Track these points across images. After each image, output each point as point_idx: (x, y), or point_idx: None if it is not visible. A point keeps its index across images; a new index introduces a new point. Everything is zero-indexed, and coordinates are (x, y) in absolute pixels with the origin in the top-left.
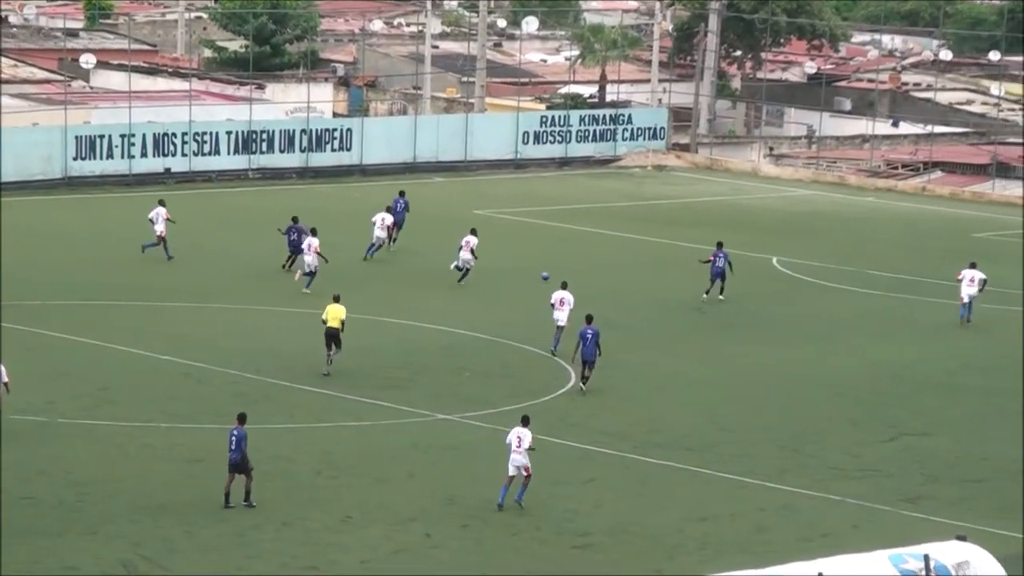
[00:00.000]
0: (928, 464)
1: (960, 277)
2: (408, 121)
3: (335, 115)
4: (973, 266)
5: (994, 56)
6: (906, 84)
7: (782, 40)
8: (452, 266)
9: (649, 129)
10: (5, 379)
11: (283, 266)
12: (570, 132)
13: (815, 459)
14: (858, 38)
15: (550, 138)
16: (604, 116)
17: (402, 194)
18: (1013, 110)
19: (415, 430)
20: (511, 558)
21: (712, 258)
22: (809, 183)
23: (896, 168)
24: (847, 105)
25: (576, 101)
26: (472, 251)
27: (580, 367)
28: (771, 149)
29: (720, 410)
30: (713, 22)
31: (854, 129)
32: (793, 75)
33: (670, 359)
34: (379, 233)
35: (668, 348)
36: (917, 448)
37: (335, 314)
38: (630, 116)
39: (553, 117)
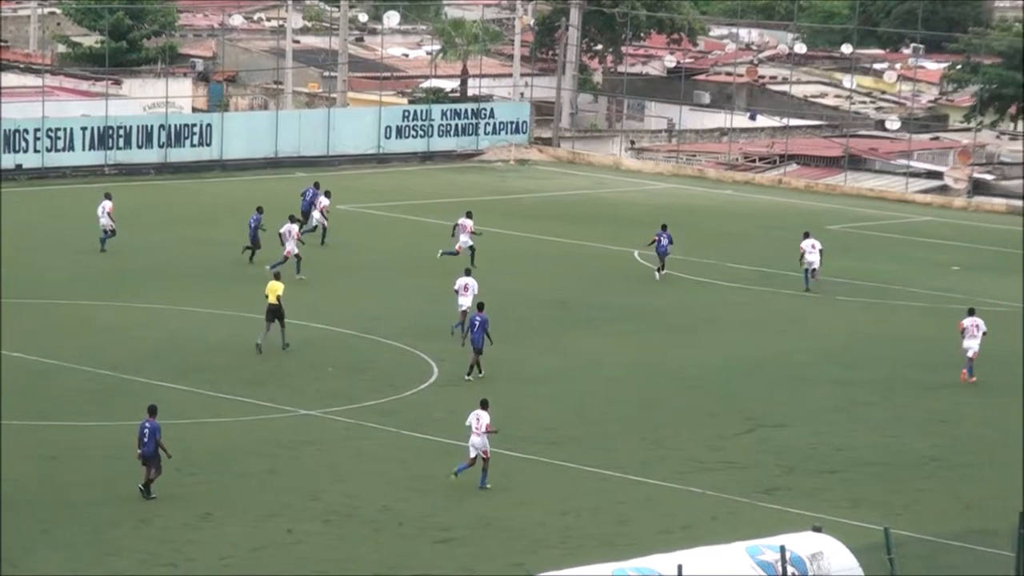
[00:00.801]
0: (784, 455)
1: (802, 249)
2: (269, 116)
3: (195, 110)
4: (807, 236)
5: (846, 49)
6: (763, 77)
7: (642, 34)
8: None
9: (511, 123)
10: None
11: (248, 258)
12: (432, 126)
13: (676, 452)
14: (716, 32)
15: (412, 132)
16: (466, 110)
17: (316, 186)
18: (864, 103)
19: (276, 426)
20: (373, 554)
21: (656, 238)
22: (670, 176)
23: (753, 161)
24: (706, 99)
25: (438, 96)
26: (472, 233)
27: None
28: (632, 143)
29: (583, 404)
30: (574, 16)
31: (713, 122)
32: (653, 69)
33: (534, 353)
34: (316, 216)
35: (532, 342)
36: (774, 440)
37: (273, 289)
38: (492, 110)
39: (415, 111)
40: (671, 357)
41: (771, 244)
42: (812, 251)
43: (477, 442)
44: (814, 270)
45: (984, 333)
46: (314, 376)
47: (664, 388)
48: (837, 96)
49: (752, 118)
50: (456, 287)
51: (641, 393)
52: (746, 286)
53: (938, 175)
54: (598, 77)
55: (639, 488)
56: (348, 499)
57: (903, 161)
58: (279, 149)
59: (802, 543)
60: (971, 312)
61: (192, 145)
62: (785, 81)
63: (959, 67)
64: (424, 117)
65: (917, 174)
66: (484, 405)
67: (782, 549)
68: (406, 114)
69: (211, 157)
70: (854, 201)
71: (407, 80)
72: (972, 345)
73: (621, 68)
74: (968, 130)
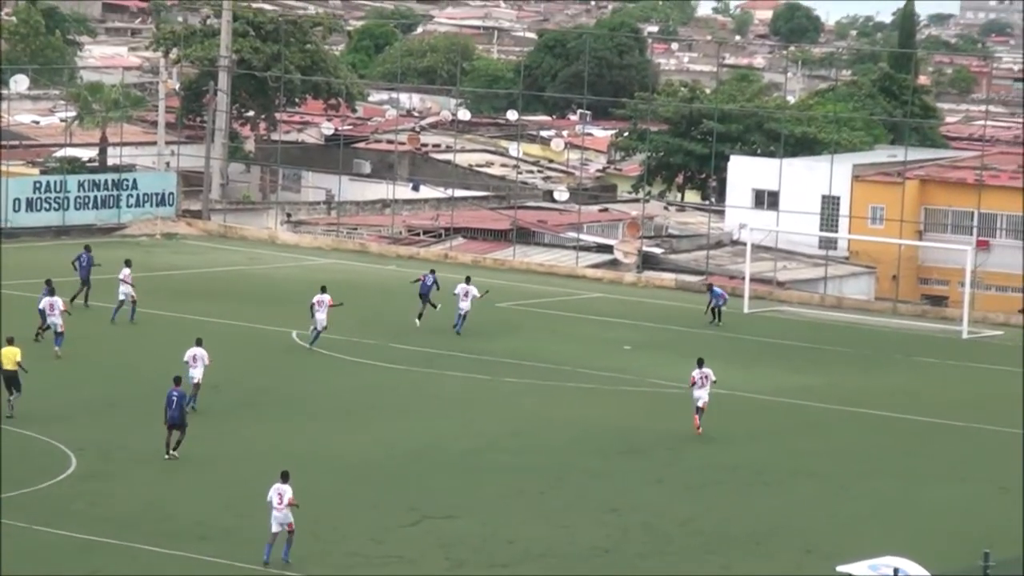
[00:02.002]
0: (453, 549)
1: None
2: None
3: None
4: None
5: (511, 116)
6: (425, 145)
7: (297, 99)
8: (416, 319)
9: (157, 195)
10: None
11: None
12: (68, 198)
13: (336, 545)
14: (376, 97)
15: (45, 205)
16: (106, 181)
17: (88, 248)
18: (532, 172)
19: None
20: None
21: (422, 278)
22: (330, 251)
23: (418, 234)
24: (367, 168)
25: (74, 165)
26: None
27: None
28: (289, 215)
29: (236, 495)
30: (223, 80)
31: (375, 193)
32: (310, 136)
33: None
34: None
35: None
36: (441, 532)
37: (10, 356)
38: (135, 181)
39: (48, 182)
40: (330, 444)
41: (436, 323)
42: (464, 299)
43: (280, 517)
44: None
45: (713, 382)
46: None
47: (323, 477)
48: (503, 165)
49: (415, 188)
50: (186, 358)
51: (298, 483)
52: (410, 367)
53: (608, 248)
54: (250, 145)
55: None
56: None
57: (573, 234)
58: None
59: None
60: (700, 363)
61: None
62: (449, 149)
63: (626, 134)
64: (58, 188)
65: (587, 248)
66: (285, 478)
67: None
68: (38, 185)
69: None
70: (523, 277)
71: (38, 148)
72: (702, 395)
73: (275, 136)
74: (636, 201)
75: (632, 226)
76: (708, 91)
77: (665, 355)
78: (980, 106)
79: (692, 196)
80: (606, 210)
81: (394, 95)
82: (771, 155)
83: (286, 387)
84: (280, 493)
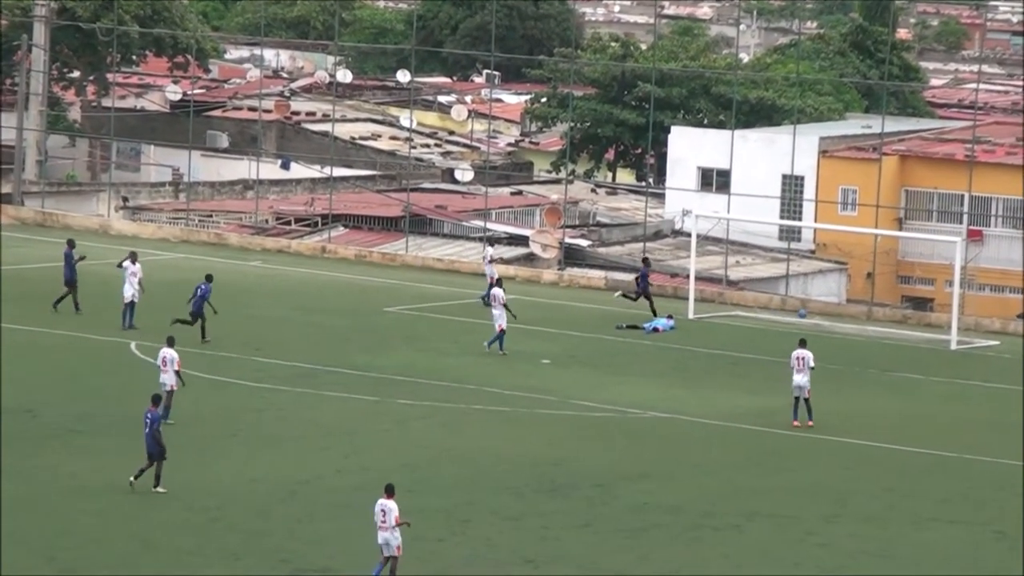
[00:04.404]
0: None
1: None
2: None
3: None
4: None
5: (403, 77)
6: (297, 114)
7: (135, 57)
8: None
9: None
10: None
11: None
12: None
13: None
14: (235, 54)
15: None
16: None
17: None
18: (428, 147)
19: None
20: None
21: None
22: (178, 243)
23: (288, 223)
24: (224, 141)
25: None
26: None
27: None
28: (125, 200)
29: (55, 545)
30: (39, 34)
31: (234, 172)
32: (152, 102)
33: None
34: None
35: None
36: None
37: None
38: None
39: None
40: (178, 480)
41: (312, 332)
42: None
43: (387, 537)
44: None
45: (811, 368)
46: None
47: (171, 519)
48: (393, 138)
49: (284, 167)
50: (157, 361)
51: (140, 527)
52: (278, 387)
53: (523, 240)
54: (76, 113)
55: None
56: None
57: (479, 223)
58: None
59: None
60: (802, 343)
61: None
62: (326, 119)
63: (544, 100)
64: None
65: (497, 239)
66: (390, 492)
67: None
68: None
69: None
70: (419, 275)
71: None
72: (800, 382)
73: (107, 102)
74: (557, 182)
75: (552, 213)
76: (644, 47)
77: (592, 371)
78: (972, 66)
79: (625, 176)
80: (520, 193)
81: (257, 52)
82: (720, 126)
83: (119, 410)
84: (384, 510)
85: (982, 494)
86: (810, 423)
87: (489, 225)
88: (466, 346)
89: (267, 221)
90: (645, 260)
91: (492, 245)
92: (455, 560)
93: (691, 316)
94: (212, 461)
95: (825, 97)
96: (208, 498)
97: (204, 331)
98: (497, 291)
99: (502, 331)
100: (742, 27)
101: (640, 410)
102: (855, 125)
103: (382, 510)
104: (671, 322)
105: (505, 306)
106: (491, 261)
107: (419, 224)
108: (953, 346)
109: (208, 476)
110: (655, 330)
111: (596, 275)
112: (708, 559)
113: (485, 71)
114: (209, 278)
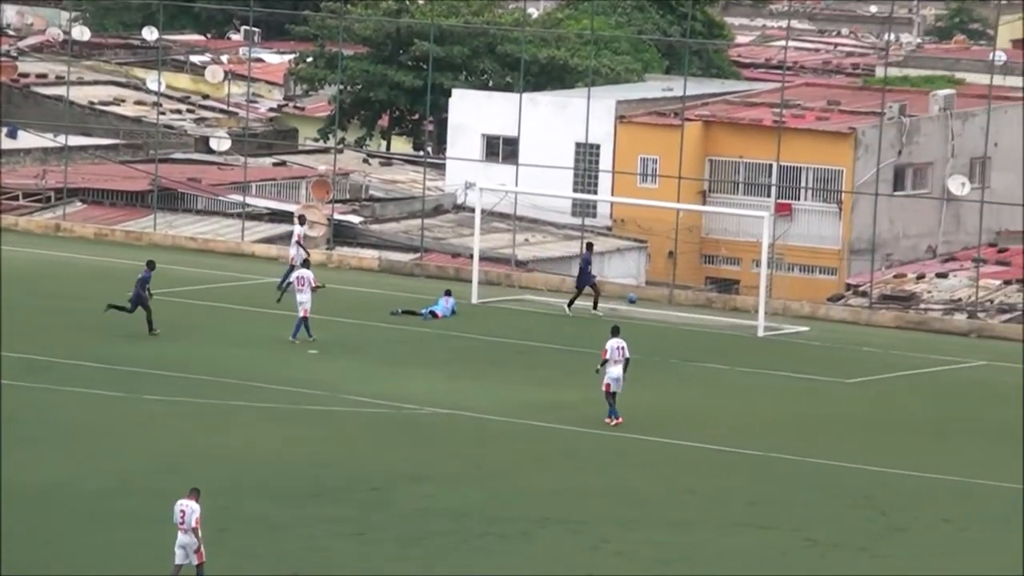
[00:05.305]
0: None
1: None
2: None
3: None
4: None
5: (150, 35)
6: (26, 76)
7: None
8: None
9: None
10: None
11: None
12: None
13: None
14: None
15: None
16: None
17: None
18: (180, 113)
19: None
20: None
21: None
22: None
23: (16, 198)
24: None
25: None
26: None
27: None
28: None
29: None
30: None
31: None
32: None
33: None
34: None
35: None
36: None
37: None
38: None
39: None
40: None
41: (48, 320)
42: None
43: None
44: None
45: (627, 359)
46: None
47: None
48: (139, 103)
49: (11, 135)
50: None
51: None
52: (12, 382)
53: (287, 217)
54: None
55: None
56: None
57: (237, 197)
58: None
59: None
60: (615, 331)
61: None
62: (61, 81)
63: (309, 60)
64: None
65: (257, 215)
66: (194, 493)
67: None
68: None
69: None
70: (169, 255)
71: None
72: (615, 374)
73: None
74: (326, 152)
75: (319, 186)
76: (421, 1)
77: (365, 362)
78: (780, 22)
79: (401, 145)
80: (283, 164)
81: None
82: (507, 89)
83: None
84: (183, 510)
85: (791, 496)
86: (619, 420)
87: (249, 200)
88: (224, 336)
89: None
90: (589, 245)
91: (303, 224)
92: (211, 573)
93: (475, 300)
94: None
95: (622, 56)
96: None
97: (151, 323)
98: (306, 272)
99: (306, 316)
100: None
101: (418, 405)
102: (655, 87)
103: (181, 511)
104: (451, 303)
105: (314, 290)
106: (299, 241)
107: (169, 199)
108: (760, 332)
109: None
110: (434, 315)
111: (369, 255)
112: (494, 569)
113: (243, 27)
114: (151, 265)
